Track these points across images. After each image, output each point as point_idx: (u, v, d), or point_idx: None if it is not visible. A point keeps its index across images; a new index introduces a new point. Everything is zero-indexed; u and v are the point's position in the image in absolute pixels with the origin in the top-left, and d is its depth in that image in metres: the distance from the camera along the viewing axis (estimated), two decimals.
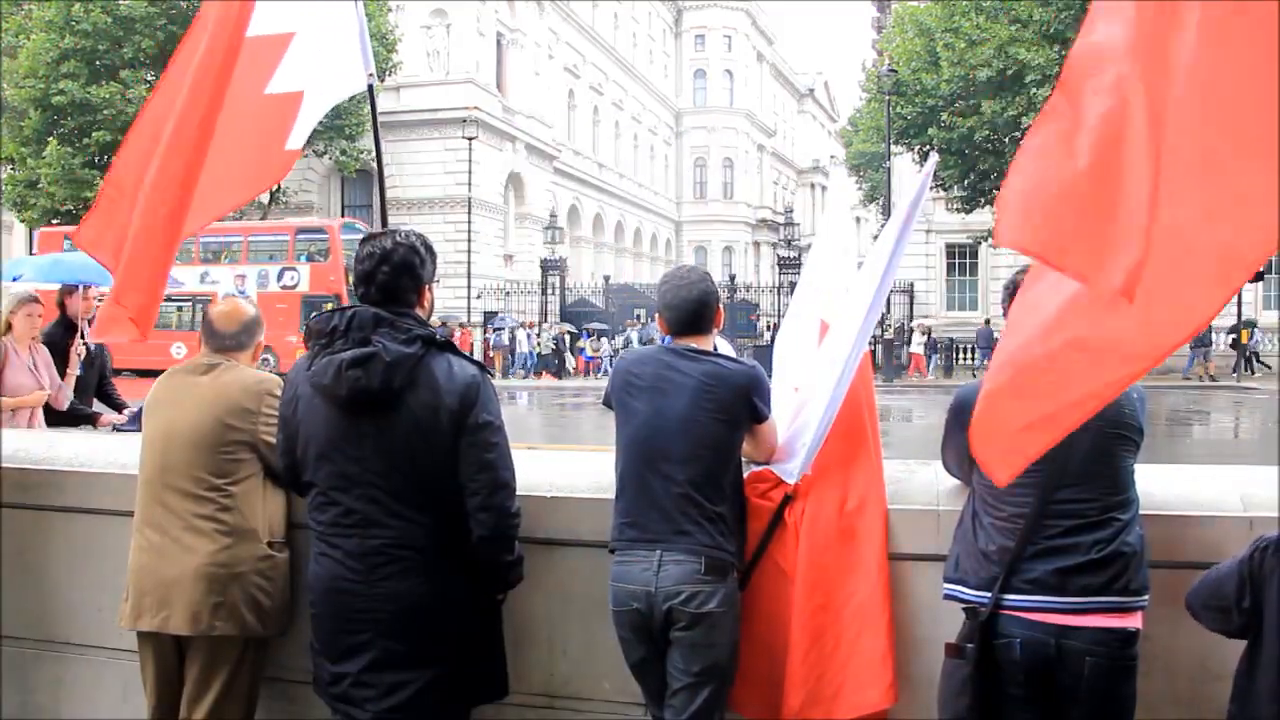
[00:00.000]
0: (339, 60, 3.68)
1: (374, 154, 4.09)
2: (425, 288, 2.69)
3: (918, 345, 28.92)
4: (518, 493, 2.67)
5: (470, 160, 33.36)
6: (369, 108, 3.97)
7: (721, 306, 2.91)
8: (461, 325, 29.58)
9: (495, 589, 2.71)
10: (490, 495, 2.55)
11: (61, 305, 5.41)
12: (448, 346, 2.62)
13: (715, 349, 2.87)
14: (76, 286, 5.45)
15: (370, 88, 3.69)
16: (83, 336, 5.27)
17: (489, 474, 2.55)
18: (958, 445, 2.60)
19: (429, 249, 2.71)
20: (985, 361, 26.47)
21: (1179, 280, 1.85)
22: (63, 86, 25.97)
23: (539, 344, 29.96)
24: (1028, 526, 2.39)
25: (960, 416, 2.58)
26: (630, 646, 2.69)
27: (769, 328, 33.04)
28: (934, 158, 3.24)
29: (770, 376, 2.95)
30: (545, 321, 32.46)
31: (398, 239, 2.64)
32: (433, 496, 2.55)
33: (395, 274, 2.61)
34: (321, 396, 2.56)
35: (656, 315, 2.92)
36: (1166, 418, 18.00)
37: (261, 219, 30.76)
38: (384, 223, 3.84)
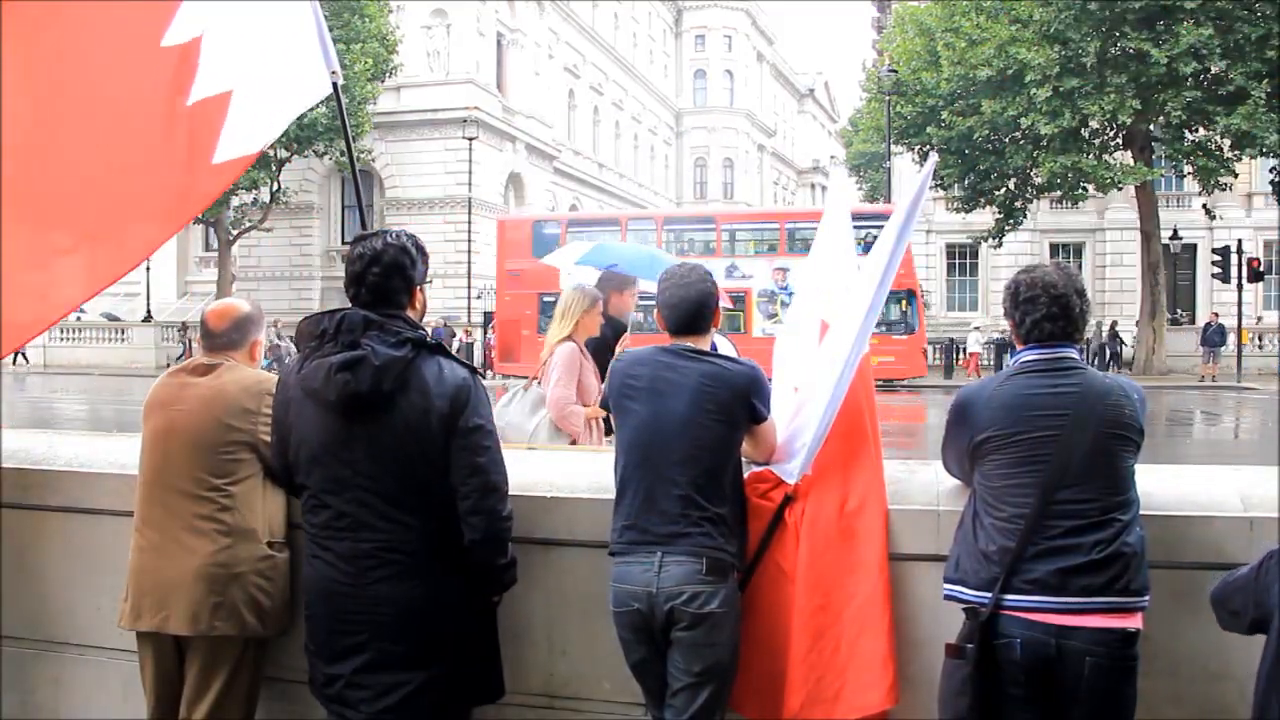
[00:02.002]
0: (293, 62, 3.39)
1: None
2: (416, 289, 2.68)
3: (975, 345, 29.00)
4: (516, 493, 2.66)
5: (470, 160, 33.37)
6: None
7: (719, 306, 2.90)
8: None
9: (489, 591, 2.70)
10: (481, 499, 2.54)
11: (605, 301, 4.77)
12: (438, 349, 2.60)
13: (714, 347, 2.86)
14: (633, 279, 5.08)
15: (336, 86, 3.50)
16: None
17: (480, 477, 2.54)
18: (958, 445, 2.60)
19: (420, 250, 2.69)
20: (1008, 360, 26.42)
21: None
22: None
23: None
24: (1028, 527, 2.39)
25: (961, 416, 2.58)
26: (630, 647, 2.69)
27: None
28: (933, 158, 3.24)
29: (770, 376, 2.94)
30: None
31: (388, 240, 2.62)
32: (424, 499, 2.54)
33: (385, 275, 2.59)
34: (312, 400, 2.55)
35: (655, 313, 2.91)
36: (1166, 418, 18.00)
37: (261, 220, 30.77)
38: (362, 222, 3.80)
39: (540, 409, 4.27)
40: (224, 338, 3.06)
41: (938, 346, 31.13)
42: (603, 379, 4.16)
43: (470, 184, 33.42)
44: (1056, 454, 2.40)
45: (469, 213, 33.37)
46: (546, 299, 24.37)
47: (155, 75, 3.09)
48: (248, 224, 31.35)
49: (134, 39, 3.08)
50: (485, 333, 31.28)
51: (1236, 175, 26.48)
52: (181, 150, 3.13)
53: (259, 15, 3.34)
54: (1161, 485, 2.71)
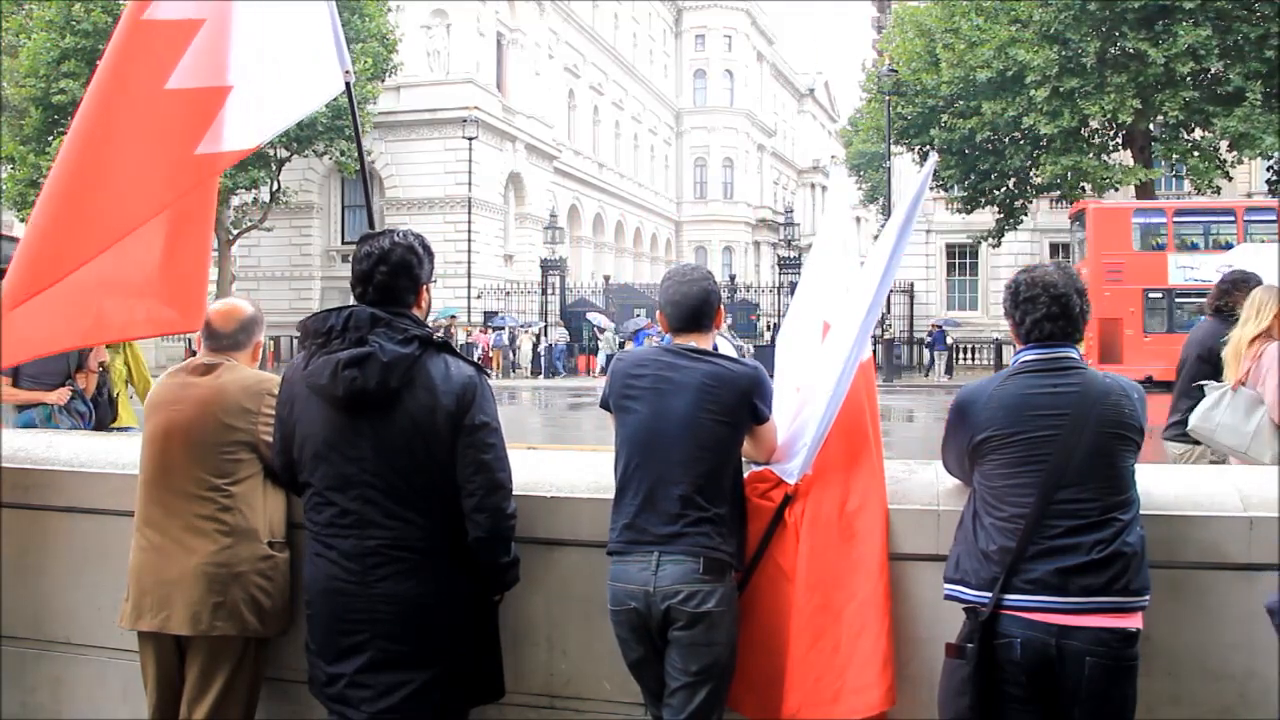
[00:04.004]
0: (305, 59, 3.37)
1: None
2: (423, 288, 2.69)
3: None
4: (518, 493, 2.67)
5: (470, 160, 33.36)
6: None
7: (723, 306, 2.90)
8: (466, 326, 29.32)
9: (492, 590, 2.71)
10: (486, 496, 2.55)
11: None
12: (445, 347, 2.61)
13: (715, 348, 2.86)
14: None
15: (349, 85, 3.51)
16: None
17: (485, 475, 2.55)
18: (958, 445, 2.60)
19: (427, 249, 2.71)
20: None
21: None
22: (63, 85, 25.98)
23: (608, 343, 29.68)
24: (1028, 527, 2.39)
25: (961, 416, 2.58)
26: (628, 646, 2.69)
27: (769, 328, 33.03)
28: (933, 157, 3.24)
29: (771, 376, 2.94)
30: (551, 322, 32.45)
31: (395, 239, 2.64)
32: (429, 497, 2.55)
33: (393, 274, 2.60)
34: (318, 397, 2.56)
35: (657, 313, 2.92)
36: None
37: (260, 220, 30.77)
38: (370, 220, 3.81)
39: (1258, 409, 4.15)
40: (229, 339, 3.06)
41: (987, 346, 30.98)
42: None
43: (470, 184, 33.39)
44: (1056, 454, 2.40)
45: (469, 213, 33.35)
46: (1153, 295, 23.06)
47: (140, 53, 2.98)
48: (247, 224, 31.31)
49: (125, 25, 3.00)
50: (482, 332, 31.30)
51: (1231, 178, 26.44)
52: (159, 135, 3.01)
53: (272, 12, 3.28)
54: (1161, 484, 2.72)
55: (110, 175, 2.92)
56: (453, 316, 30.29)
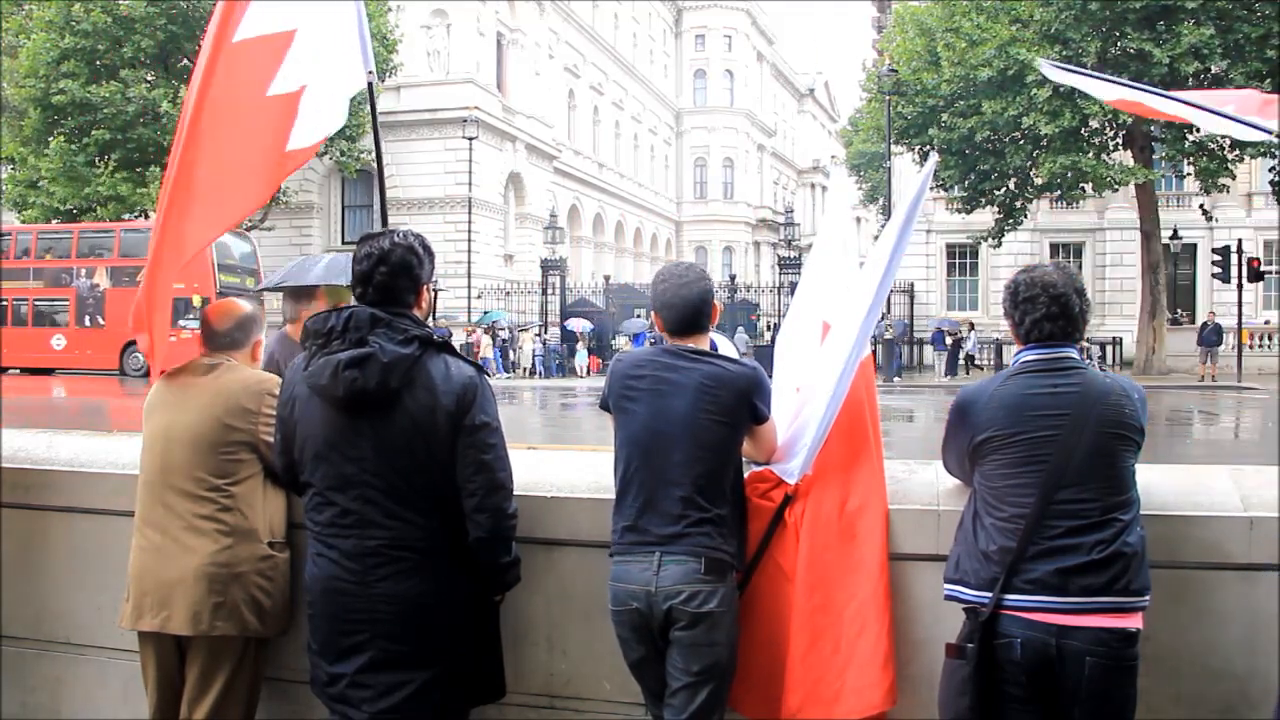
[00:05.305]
0: (340, 58, 3.57)
1: (375, 154, 4.03)
2: (423, 288, 2.69)
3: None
4: (518, 493, 2.67)
5: (470, 160, 33.38)
6: (369, 107, 3.93)
7: (719, 304, 2.90)
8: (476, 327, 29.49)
9: (493, 590, 2.71)
10: (486, 496, 2.55)
11: None
12: (445, 347, 2.61)
13: (714, 347, 2.86)
14: None
15: (370, 85, 3.62)
16: None
17: (485, 475, 2.55)
18: (958, 445, 2.60)
19: (427, 250, 2.70)
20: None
21: None
22: (63, 86, 25.99)
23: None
24: (1029, 527, 2.39)
25: (962, 417, 2.58)
26: (629, 646, 2.69)
27: (769, 328, 33.03)
28: (934, 157, 3.23)
29: (771, 376, 2.94)
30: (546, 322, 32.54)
31: (395, 239, 2.64)
32: (430, 497, 2.55)
33: (393, 274, 2.60)
34: (319, 397, 2.56)
35: (653, 314, 2.90)
36: (1166, 418, 17.99)
37: (261, 220, 30.80)
38: (384, 223, 3.83)
39: None
40: (227, 337, 3.06)
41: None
42: None
43: (470, 184, 33.41)
44: (1056, 454, 2.40)
45: (469, 213, 33.36)
46: None
47: (238, 68, 3.37)
48: (248, 223, 31.31)
49: (222, 39, 3.35)
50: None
51: (1234, 176, 26.46)
52: (261, 138, 3.43)
53: (333, 15, 3.58)
54: (1161, 484, 2.72)
55: (223, 177, 3.32)
56: (495, 321, 30.49)
